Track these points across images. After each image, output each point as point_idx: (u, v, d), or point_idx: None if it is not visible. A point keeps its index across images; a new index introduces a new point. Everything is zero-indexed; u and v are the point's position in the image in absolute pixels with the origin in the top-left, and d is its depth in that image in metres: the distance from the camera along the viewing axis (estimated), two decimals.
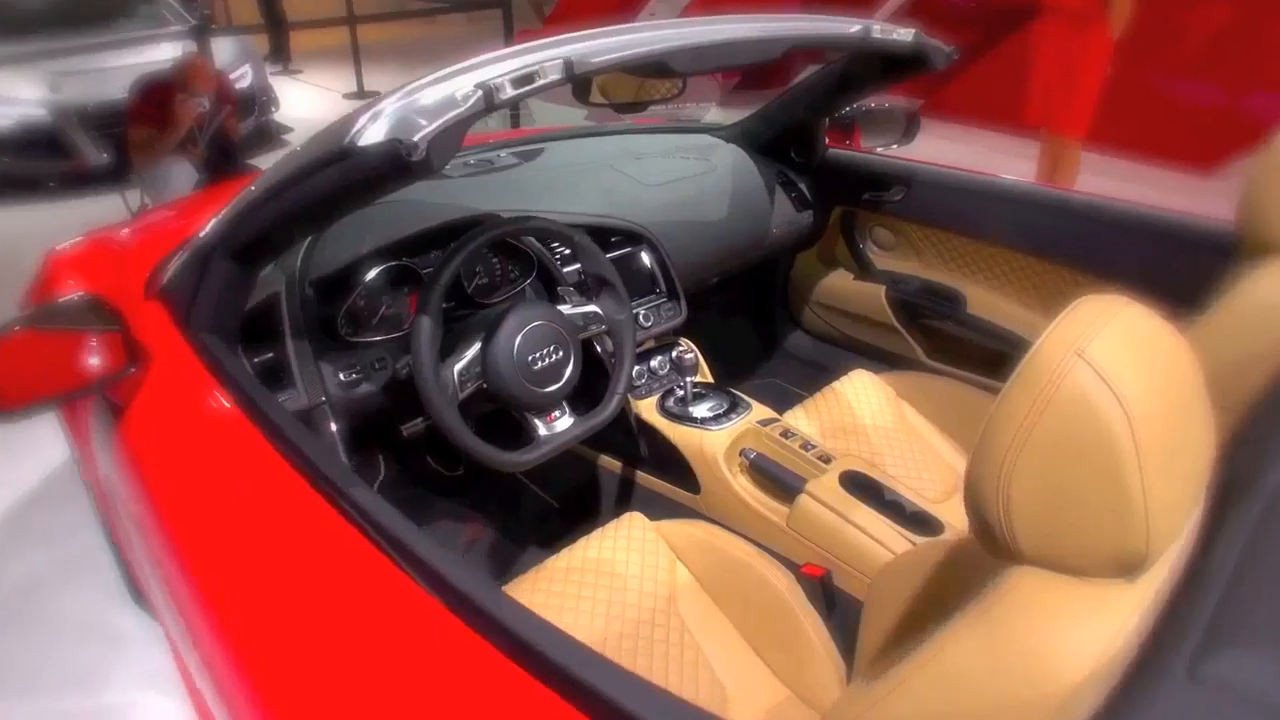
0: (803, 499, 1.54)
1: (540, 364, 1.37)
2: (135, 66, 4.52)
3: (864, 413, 1.88)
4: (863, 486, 1.56)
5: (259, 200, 1.16)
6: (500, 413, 1.45)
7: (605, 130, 2.34)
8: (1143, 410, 0.62)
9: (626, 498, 1.89)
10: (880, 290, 2.25)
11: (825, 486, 1.55)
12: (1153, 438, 0.62)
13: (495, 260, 1.65)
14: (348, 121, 1.02)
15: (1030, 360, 0.67)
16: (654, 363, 1.89)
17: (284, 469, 1.03)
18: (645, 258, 1.90)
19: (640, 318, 1.82)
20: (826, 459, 1.62)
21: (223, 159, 4.12)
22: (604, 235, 1.84)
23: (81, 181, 5.14)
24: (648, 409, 1.80)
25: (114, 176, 4.80)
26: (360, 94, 7.58)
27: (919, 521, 1.51)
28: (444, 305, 1.56)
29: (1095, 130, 4.28)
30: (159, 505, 1.15)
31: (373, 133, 0.98)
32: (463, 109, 0.99)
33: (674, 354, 1.85)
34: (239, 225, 1.21)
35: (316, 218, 1.21)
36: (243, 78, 5.65)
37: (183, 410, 1.24)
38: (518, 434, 1.43)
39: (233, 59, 5.69)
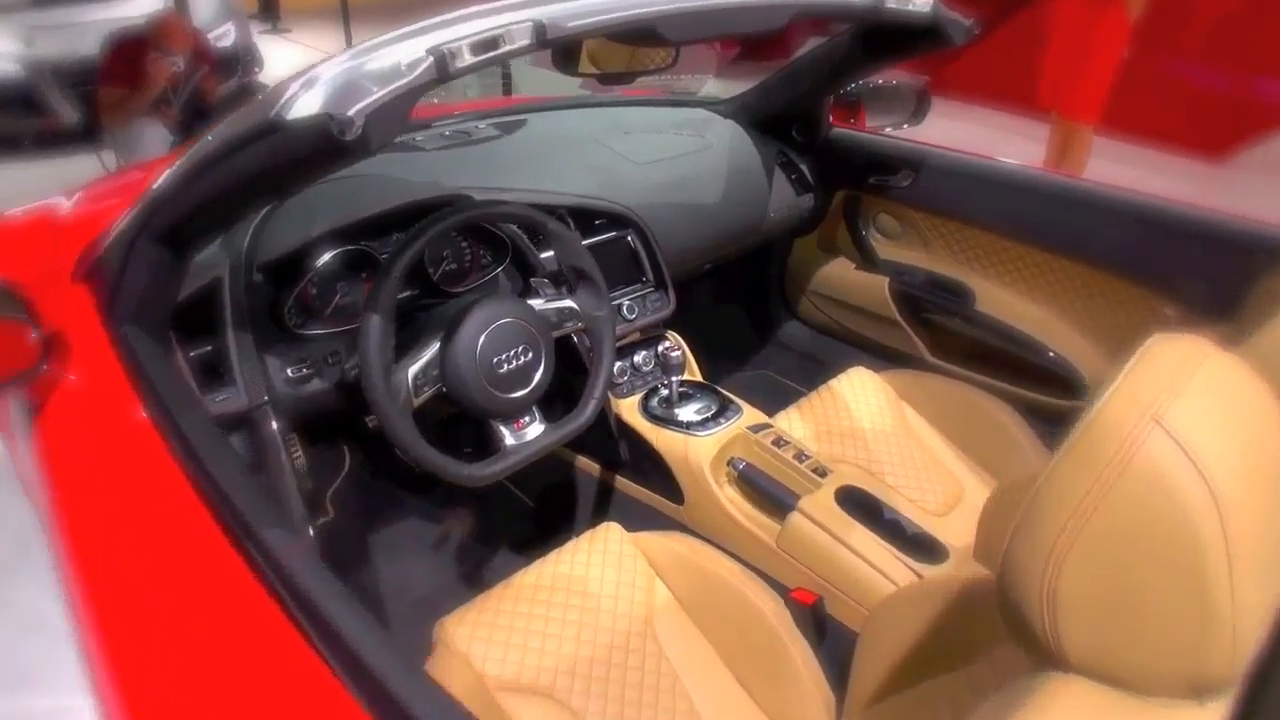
0: (795, 517, 1.41)
1: (506, 367, 1.23)
2: (112, 21, 4.32)
3: (862, 415, 1.75)
4: (860, 504, 1.44)
5: (182, 178, 1.01)
6: (466, 416, 1.31)
7: (594, 102, 2.18)
8: (1234, 493, 0.48)
9: (605, 504, 1.76)
10: (883, 282, 2.11)
11: (819, 504, 1.42)
12: (1245, 528, 0.48)
13: (465, 244, 1.50)
14: (278, 89, 0.87)
15: (1093, 423, 0.53)
16: (638, 358, 1.75)
17: (187, 494, 0.89)
18: (631, 243, 1.75)
19: (624, 309, 1.68)
20: (822, 472, 1.49)
21: (198, 121, 3.93)
22: (588, 217, 1.69)
23: (56, 141, 4.94)
24: (629, 409, 1.66)
25: (86, 136, 4.62)
26: None
27: (920, 545, 1.39)
28: (406, 294, 1.42)
29: (1106, 113, 4.13)
30: (62, 522, 1.01)
31: (304, 104, 0.83)
32: (409, 79, 0.84)
33: (660, 349, 1.71)
34: (162, 205, 1.06)
35: (248, 199, 1.05)
36: (224, 36, 5.43)
37: (93, 413, 1.09)
38: (486, 440, 1.30)
39: (214, 16, 5.47)
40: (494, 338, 1.21)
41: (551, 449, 1.31)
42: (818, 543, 1.39)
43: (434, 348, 1.20)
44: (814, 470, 1.49)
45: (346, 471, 1.80)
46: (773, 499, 1.46)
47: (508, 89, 4.44)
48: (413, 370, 1.17)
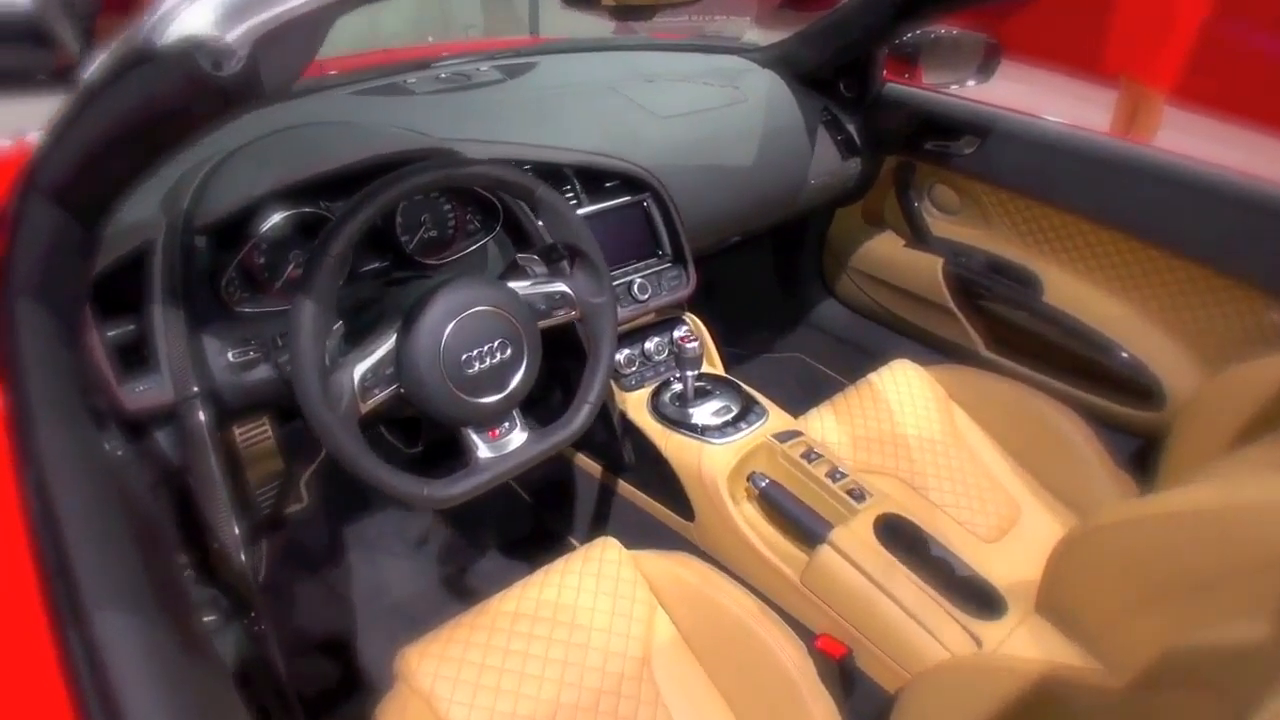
0: (824, 551, 1.19)
1: (477, 366, 1.00)
2: None
3: (906, 416, 1.51)
4: (903, 538, 1.22)
5: (61, 123, 0.78)
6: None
7: (613, 45, 1.92)
8: None
9: (604, 512, 1.54)
10: (936, 263, 1.87)
11: (855, 536, 1.19)
12: None
13: (448, 207, 1.26)
14: (154, 5, 0.64)
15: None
16: (649, 345, 1.52)
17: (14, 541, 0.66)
18: (647, 209, 1.50)
19: (635, 288, 1.44)
20: (859, 494, 1.25)
21: None
22: (597, 178, 1.45)
23: (66, 78, 4.73)
24: (636, 406, 1.43)
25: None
26: None
27: (973, 593, 1.17)
28: (373, 266, 1.19)
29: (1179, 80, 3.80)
30: None
31: (182, 24, 0.60)
32: None
33: (675, 335, 1.47)
34: (45, 157, 0.83)
35: (139, 152, 0.82)
36: None
37: None
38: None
39: None
40: (463, 330, 0.99)
41: (534, 463, 1.09)
42: (850, 584, 1.16)
43: (389, 340, 0.98)
44: (849, 492, 1.26)
45: (325, 454, 1.60)
46: (799, 526, 1.24)
47: (534, 30, 4.14)
48: (361, 368, 0.95)
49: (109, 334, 1.02)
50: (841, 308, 2.19)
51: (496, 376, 1.02)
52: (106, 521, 0.67)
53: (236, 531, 1.02)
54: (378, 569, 1.63)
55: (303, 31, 0.59)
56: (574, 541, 1.61)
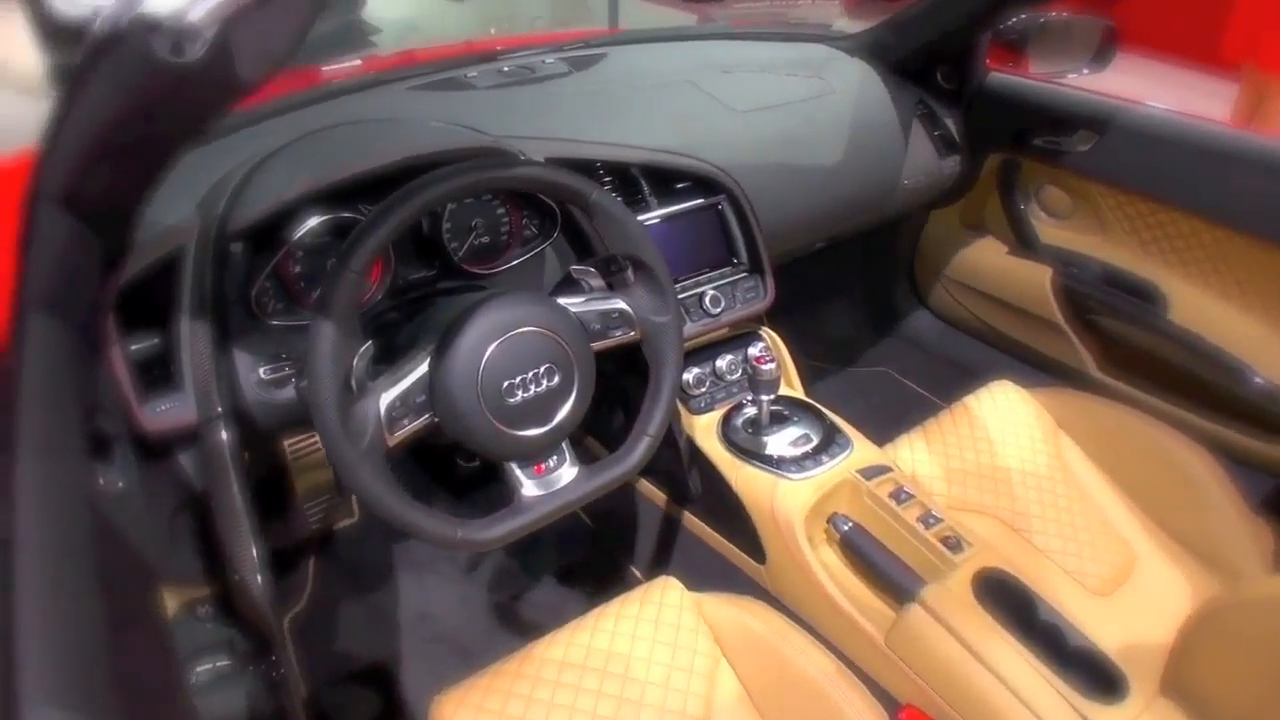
0: (914, 611, 1.04)
1: (520, 395, 0.88)
2: None
3: (1007, 446, 1.35)
4: (1006, 598, 1.07)
5: (53, 123, 0.69)
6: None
7: (688, 34, 1.78)
8: None
9: (666, 547, 1.42)
10: (1044, 273, 1.69)
11: (951, 595, 1.04)
12: None
13: (501, 210, 1.15)
14: None
15: None
16: (721, 363, 1.38)
17: None
18: (722, 213, 1.37)
19: (706, 300, 1.31)
20: (956, 544, 1.10)
21: None
22: (667, 178, 1.32)
23: None
24: (705, 432, 1.30)
25: None
26: None
27: (1087, 668, 1.02)
28: (419, 276, 1.09)
29: None
30: None
31: (148, 3, 0.49)
32: None
33: (750, 353, 1.34)
34: (46, 158, 0.75)
35: (138, 153, 0.72)
36: None
37: None
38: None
39: None
40: (505, 354, 0.87)
41: (585, 503, 0.97)
42: (943, 650, 1.01)
43: (422, 364, 0.87)
44: (945, 541, 1.10)
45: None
46: (886, 578, 1.10)
47: (614, 23, 4.03)
48: (389, 396, 0.84)
49: (132, 348, 0.93)
50: (934, 320, 2.02)
51: (542, 407, 0.90)
52: (65, 588, 0.57)
53: (258, 572, 0.93)
54: (425, 593, 1.53)
55: (284, 9, 0.48)
56: (635, 572, 1.49)
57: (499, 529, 0.90)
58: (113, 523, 0.70)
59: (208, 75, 0.48)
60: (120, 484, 0.77)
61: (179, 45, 0.46)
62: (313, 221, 0.99)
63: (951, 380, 1.82)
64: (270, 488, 1.42)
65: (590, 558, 1.57)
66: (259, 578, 0.95)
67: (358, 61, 1.83)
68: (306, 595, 1.47)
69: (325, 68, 1.69)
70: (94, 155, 0.70)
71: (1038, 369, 1.78)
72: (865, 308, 2.10)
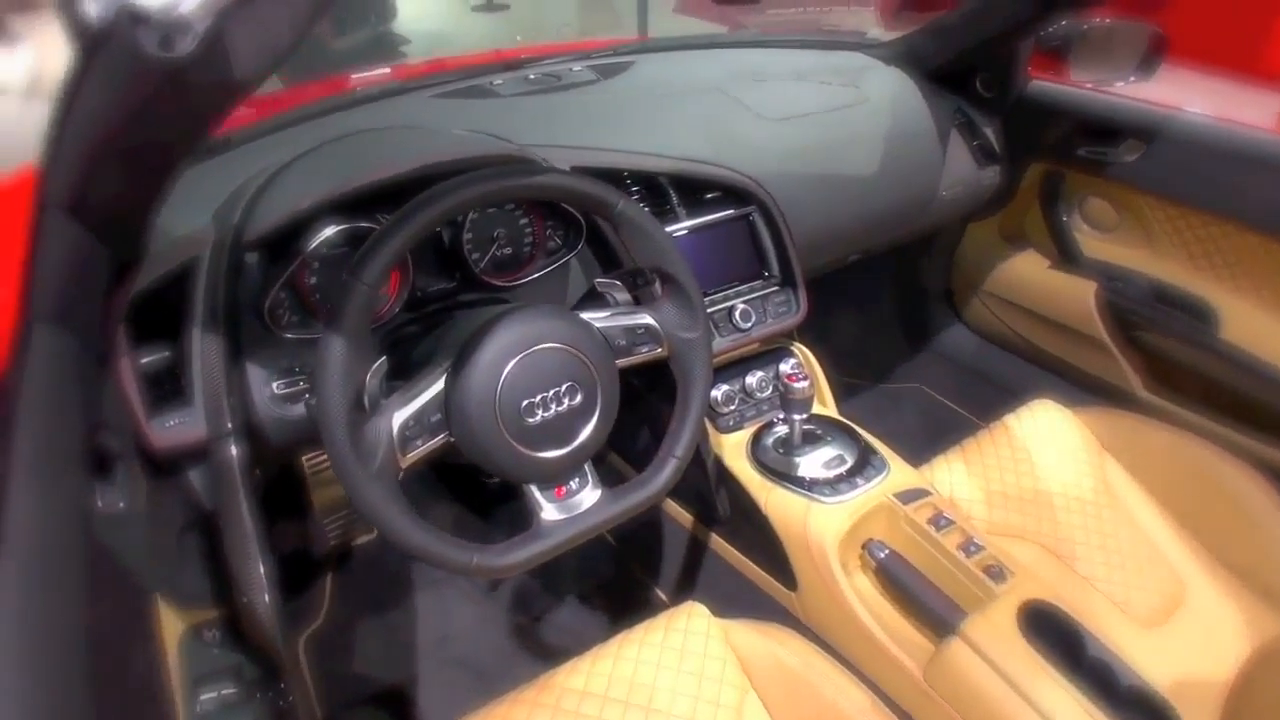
0: (955, 645, 0.98)
1: (540, 414, 0.84)
2: None
3: (1050, 469, 1.29)
4: (1053, 632, 1.00)
5: (53, 126, 0.66)
6: None
7: (719, 42, 1.74)
8: None
9: (693, 568, 1.37)
10: (1088, 288, 1.63)
11: (994, 628, 0.99)
12: None
13: (525, 221, 1.11)
14: None
15: None
16: (751, 380, 1.33)
17: None
18: (753, 224, 1.32)
19: (736, 314, 1.27)
20: (998, 573, 1.04)
21: (312, 65, 3.68)
22: (696, 188, 1.28)
23: None
24: (734, 451, 1.25)
25: None
26: (489, 4, 7.01)
27: (1141, 709, 0.95)
28: (438, 288, 1.06)
29: None
30: None
31: None
32: None
33: (781, 369, 1.29)
34: (50, 166, 0.72)
35: (139, 158, 0.69)
36: None
37: None
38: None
39: None
40: (524, 371, 0.83)
41: (609, 527, 0.92)
42: (986, 688, 0.95)
43: (438, 382, 0.83)
44: (987, 570, 1.04)
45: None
46: (924, 609, 1.04)
47: (643, 31, 3.99)
48: (403, 415, 0.80)
49: (142, 361, 0.90)
50: (971, 335, 1.96)
51: (563, 427, 0.86)
52: (47, 614, 0.54)
53: (267, 595, 0.90)
54: (445, 613, 1.50)
55: (282, 2, 0.44)
56: (659, 594, 1.44)
57: (517, 555, 0.85)
58: (108, 546, 0.67)
59: (201, 72, 0.44)
60: (121, 504, 0.74)
61: (168, 40, 0.42)
62: (329, 231, 0.95)
63: (988, 398, 1.75)
64: (287, 503, 1.39)
65: (613, 579, 1.52)
66: (268, 601, 0.91)
67: (386, 70, 1.81)
68: (323, 614, 1.44)
69: (354, 76, 1.68)
70: (96, 160, 0.67)
71: (1079, 387, 1.71)
72: (897, 322, 2.04)
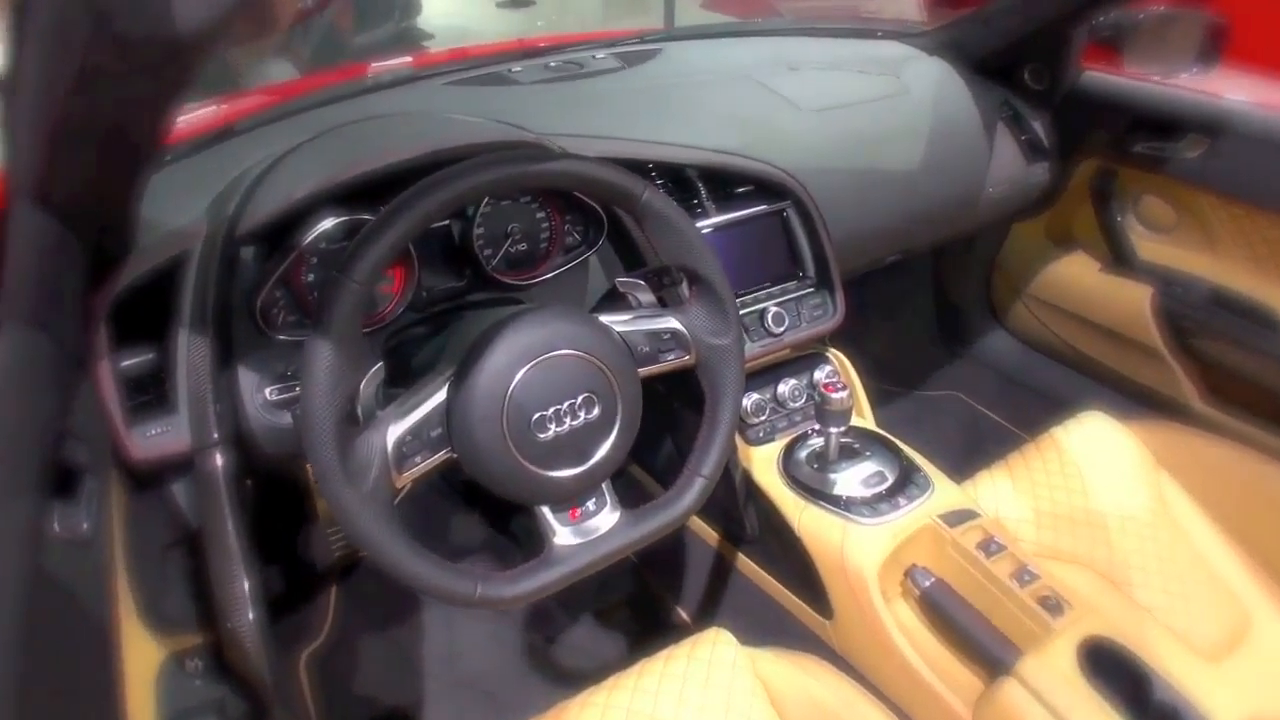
0: (1009, 686, 0.89)
1: (553, 429, 0.76)
2: None
3: (1102, 488, 1.19)
4: (1115, 671, 0.91)
5: (7, 101, 0.59)
6: None
7: (752, 29, 1.65)
8: None
9: (718, 590, 1.29)
10: (1144, 293, 1.53)
11: (1052, 669, 0.90)
12: None
13: (542, 214, 1.03)
14: None
15: None
16: (783, 388, 1.24)
17: None
18: (787, 221, 1.24)
19: (768, 318, 1.18)
20: (1054, 605, 0.95)
21: (330, 60, 3.63)
22: (727, 182, 1.20)
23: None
24: (764, 465, 1.17)
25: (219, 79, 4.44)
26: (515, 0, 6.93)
27: None
28: (446, 287, 0.98)
29: None
30: None
31: None
32: None
33: (816, 378, 1.20)
34: (15, 154, 0.65)
35: (96, 137, 0.62)
36: None
37: None
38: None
39: None
40: (536, 381, 0.75)
41: (629, 552, 0.84)
42: None
43: (439, 392, 0.75)
44: (1043, 601, 0.95)
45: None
46: (975, 645, 0.95)
47: (670, 23, 3.90)
48: (399, 429, 0.72)
49: (124, 364, 0.83)
50: (1012, 341, 1.86)
51: (578, 443, 0.78)
52: None
53: (255, 622, 0.82)
54: (453, 629, 1.42)
55: None
56: (680, 612, 1.36)
57: (526, 585, 0.77)
58: (59, 576, 0.59)
59: (131, 20, 0.36)
60: (84, 525, 0.66)
61: None
62: (327, 224, 0.87)
63: (1030, 408, 1.67)
64: (288, 512, 1.32)
65: (632, 597, 1.44)
66: (252, 619, 0.84)
67: (407, 59, 1.74)
68: (326, 630, 1.37)
69: (372, 65, 1.61)
70: (56, 142, 0.59)
71: (1129, 398, 1.61)
72: (933, 326, 1.94)
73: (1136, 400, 1.60)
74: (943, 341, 1.93)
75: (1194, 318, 1.49)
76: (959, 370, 1.90)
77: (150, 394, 0.83)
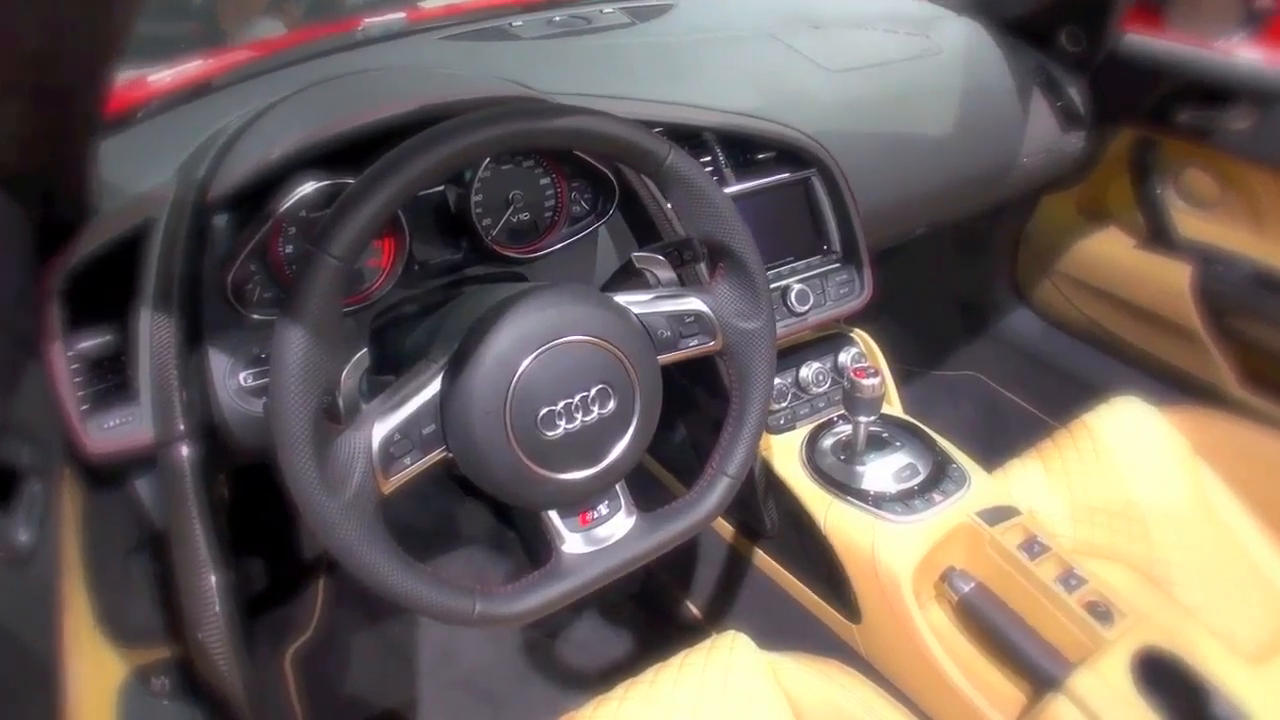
0: (1059, 704, 0.83)
1: (563, 426, 0.67)
2: None
3: (1139, 479, 1.12)
4: (1174, 687, 0.84)
5: None
6: None
7: None
8: None
9: (733, 588, 1.21)
10: (1183, 271, 1.45)
11: (1105, 684, 0.83)
12: None
13: (546, 180, 0.93)
14: None
15: None
16: (806, 372, 1.16)
17: None
18: (811, 190, 1.15)
19: (792, 296, 1.09)
20: (1104, 612, 0.88)
21: (323, 13, 3.52)
22: (746, 148, 1.10)
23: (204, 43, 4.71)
24: (786, 455, 1.08)
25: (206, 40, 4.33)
26: None
27: None
28: (440, 260, 0.89)
29: None
30: None
31: None
32: None
33: (842, 360, 1.12)
34: None
35: (33, 94, 0.52)
36: None
37: None
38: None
39: None
40: (544, 370, 0.65)
41: (644, 562, 0.76)
42: None
43: (433, 383, 0.66)
44: (1090, 608, 0.88)
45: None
46: (1020, 657, 0.88)
47: None
48: (386, 427, 0.63)
49: (79, 346, 0.74)
50: (1037, 320, 1.78)
51: (591, 441, 0.68)
52: None
53: (226, 632, 0.74)
54: (451, 627, 1.34)
55: None
56: (691, 608, 1.28)
57: (530, 601, 0.69)
58: None
59: None
60: (23, 537, 0.58)
61: None
62: (307, 189, 0.77)
63: (1055, 391, 1.60)
64: (272, 501, 1.24)
65: (641, 591, 1.36)
66: (225, 631, 0.75)
67: (401, 15, 1.65)
68: (314, 624, 1.29)
69: (364, 21, 1.52)
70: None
71: (1161, 381, 1.54)
72: (952, 303, 1.86)
73: (1168, 384, 1.53)
74: (961, 319, 1.85)
75: (1235, 298, 1.41)
76: (978, 349, 1.82)
77: (109, 380, 0.75)
